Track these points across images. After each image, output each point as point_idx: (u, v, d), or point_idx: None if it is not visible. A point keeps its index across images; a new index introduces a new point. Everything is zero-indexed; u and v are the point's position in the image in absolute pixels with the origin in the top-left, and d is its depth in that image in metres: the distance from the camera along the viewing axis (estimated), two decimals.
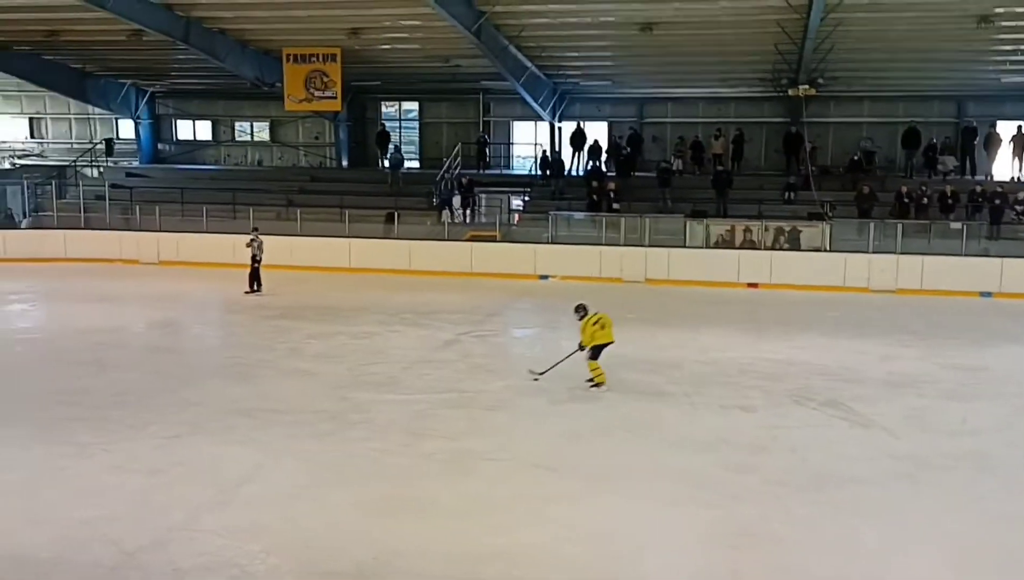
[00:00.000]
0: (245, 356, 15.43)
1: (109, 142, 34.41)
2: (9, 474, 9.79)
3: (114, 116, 34.40)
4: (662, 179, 26.43)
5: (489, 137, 30.91)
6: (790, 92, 24.53)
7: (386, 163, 30.16)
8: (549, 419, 11.96)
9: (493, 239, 24.99)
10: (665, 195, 26.16)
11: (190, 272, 23.78)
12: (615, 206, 25.44)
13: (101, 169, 33.21)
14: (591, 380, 13.12)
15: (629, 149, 28.48)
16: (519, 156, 32.01)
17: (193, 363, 15.56)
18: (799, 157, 26.57)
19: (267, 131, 33.90)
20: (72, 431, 11.22)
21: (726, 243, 23.83)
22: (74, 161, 33.42)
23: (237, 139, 34.37)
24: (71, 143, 35.51)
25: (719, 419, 12.00)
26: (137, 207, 27.49)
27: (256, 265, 21.15)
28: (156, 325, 18.52)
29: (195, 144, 34.58)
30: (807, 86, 23.85)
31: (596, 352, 13.04)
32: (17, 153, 35.29)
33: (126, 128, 34.79)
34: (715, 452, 10.58)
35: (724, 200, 25.56)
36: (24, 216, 28.95)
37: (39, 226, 27.68)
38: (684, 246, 23.71)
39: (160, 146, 34.56)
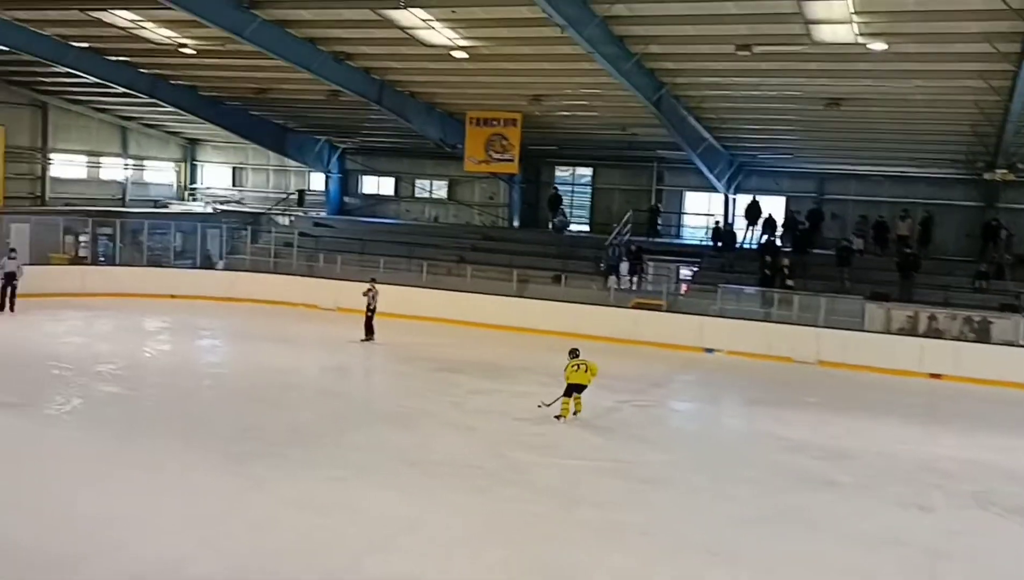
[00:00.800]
0: (410, 405, 15.87)
1: (301, 193, 36.71)
2: (194, 502, 10.41)
3: (307, 169, 36.70)
4: (841, 258, 25.48)
5: (661, 205, 30.85)
6: (986, 176, 23.22)
7: (554, 225, 30.62)
8: (712, 498, 11.60)
9: (659, 308, 24.74)
10: (844, 275, 25.17)
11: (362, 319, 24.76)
12: (789, 283, 24.69)
13: (292, 218, 35.35)
14: (560, 415, 14.80)
15: (807, 224, 27.67)
16: (690, 226, 31.73)
17: (361, 408, 16.14)
18: (994, 244, 24.99)
19: (445, 189, 35.18)
20: (251, 465, 11.84)
21: (908, 330, 22.57)
22: (268, 209, 35.79)
23: (417, 196, 35.84)
24: (267, 192, 38.09)
25: (895, 517, 11.27)
26: (321, 255, 29.01)
27: (370, 313, 21.83)
28: (329, 369, 19.36)
29: (378, 198, 36.31)
30: (1005, 171, 22.52)
31: (569, 390, 14.97)
32: (219, 199, 38.17)
33: (317, 181, 37.02)
34: (890, 552, 9.94)
35: (909, 284, 24.30)
36: (221, 258, 31.13)
37: (233, 268, 29.65)
38: (862, 330, 22.62)
39: (346, 199, 36.49)
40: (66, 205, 32.50)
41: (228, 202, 37.88)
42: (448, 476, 11.75)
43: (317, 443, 13.07)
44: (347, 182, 36.65)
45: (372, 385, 19.01)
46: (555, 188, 32.08)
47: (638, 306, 24.88)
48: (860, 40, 17.75)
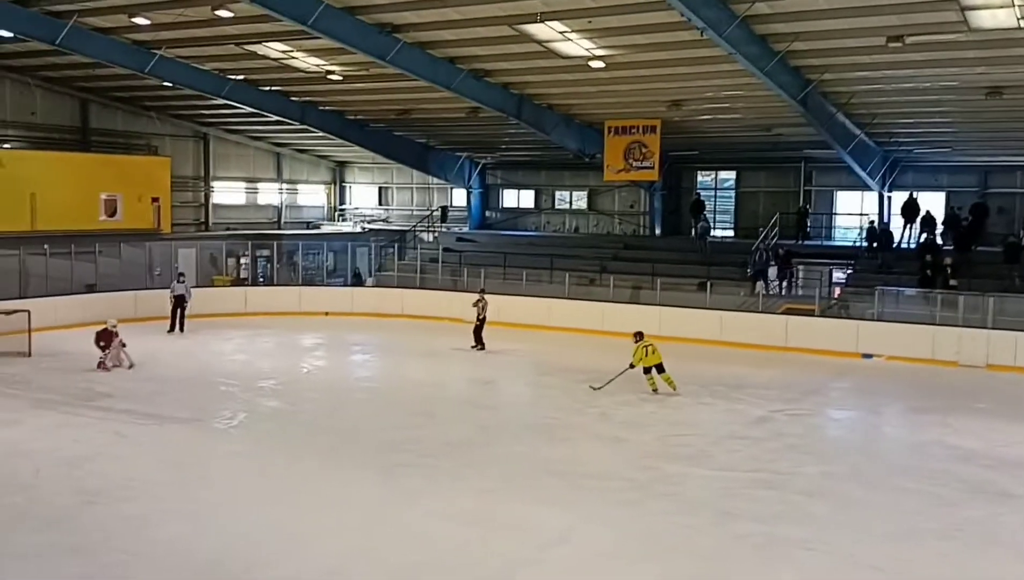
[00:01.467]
0: (557, 417, 15.87)
1: (444, 209, 37.54)
2: (348, 513, 10.75)
3: (449, 186, 37.51)
4: (1010, 254, 23.87)
5: (810, 207, 29.79)
6: None
7: (696, 232, 30.07)
8: (877, 512, 11.03)
9: (811, 313, 23.84)
10: (1012, 272, 23.58)
11: (508, 333, 25.00)
12: (952, 282, 23.30)
13: (436, 234, 36.18)
14: (655, 389, 17.11)
15: (970, 219, 26.07)
16: (842, 227, 30.49)
17: (509, 420, 16.26)
18: None
19: (585, 199, 35.18)
20: (403, 477, 12.14)
21: None
22: (413, 226, 36.76)
23: (557, 207, 35.99)
24: (412, 210, 39.13)
25: None
26: (465, 269, 29.53)
27: (480, 323, 22.37)
28: (477, 382, 19.61)
29: (518, 211, 36.67)
30: None
31: (648, 370, 17.16)
32: (367, 218, 39.51)
33: (459, 196, 37.77)
34: None
35: None
36: (370, 275, 32.18)
37: (382, 284, 30.60)
38: None
39: (487, 213, 37.05)
40: (227, 229, 34.39)
41: (375, 221, 39.15)
42: (598, 488, 11.67)
43: (467, 455, 13.26)
44: (488, 197, 37.20)
45: (519, 397, 19.13)
46: (697, 193, 31.51)
47: (788, 311, 24.07)
48: (1023, 24, 16.64)
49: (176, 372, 19.16)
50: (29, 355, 19.89)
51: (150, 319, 24.19)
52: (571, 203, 35.85)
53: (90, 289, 25.73)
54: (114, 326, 19.28)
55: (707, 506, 11.08)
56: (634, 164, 28.03)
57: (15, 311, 20.07)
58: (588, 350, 22.60)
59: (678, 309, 24.51)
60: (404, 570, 9.11)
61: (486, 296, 23.01)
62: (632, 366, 17.12)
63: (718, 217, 31.94)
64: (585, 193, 35.11)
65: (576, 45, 20.67)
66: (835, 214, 30.53)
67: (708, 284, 25.35)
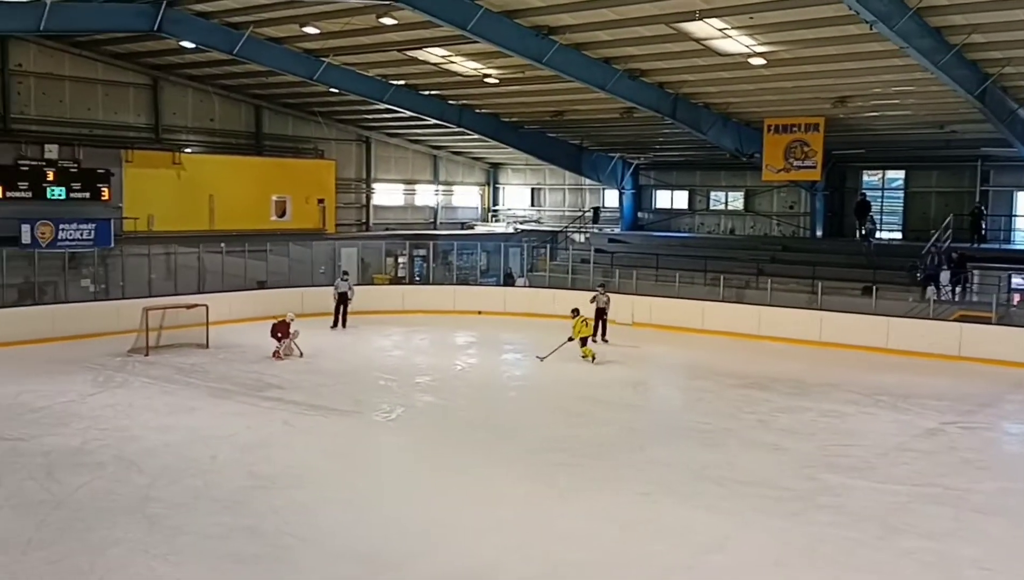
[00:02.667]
0: (712, 422, 15.54)
1: (596, 210, 37.48)
2: (502, 509, 10.90)
3: (602, 187, 37.42)
4: None
5: (986, 208, 27.97)
6: None
7: (862, 234, 28.77)
8: None
9: (987, 321, 22.37)
10: None
11: (662, 335, 24.72)
12: None
13: (588, 235, 36.17)
14: (585, 357, 20.38)
15: None
16: (1022, 230, 28.46)
17: (662, 424, 16.06)
18: None
19: (741, 200, 34.31)
20: (552, 475, 12.21)
21: None
22: (565, 227, 36.88)
23: (712, 208, 35.27)
24: (563, 211, 39.28)
25: None
26: (617, 270, 29.37)
27: (601, 315, 23.41)
28: (629, 383, 19.46)
29: (671, 213, 36.17)
30: None
31: (584, 342, 20.65)
32: (519, 219, 39.95)
33: (611, 197, 37.61)
34: None
35: None
36: (522, 275, 32.53)
37: (533, 284, 30.87)
38: None
39: (640, 214, 36.73)
40: (386, 230, 35.57)
41: (527, 221, 39.52)
42: (757, 497, 11.35)
43: (620, 457, 13.19)
44: (641, 197, 36.87)
45: (674, 400, 18.86)
46: (862, 194, 30.15)
47: (962, 318, 22.67)
48: None
49: (339, 366, 19.96)
50: (207, 347, 21.20)
51: (315, 315, 25.28)
52: (727, 204, 35.05)
53: (261, 285, 27.18)
54: (291, 319, 20.50)
55: (872, 519, 10.59)
56: (795, 163, 27.10)
57: (195, 305, 21.46)
58: (744, 354, 22.06)
59: (841, 314, 23.55)
60: (557, 568, 9.15)
61: (607, 293, 23.96)
62: (571, 339, 20.51)
63: (885, 218, 30.42)
64: (741, 194, 34.24)
65: (736, 42, 20.20)
66: (1015, 216, 28.52)
67: (874, 289, 24.21)
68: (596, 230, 36.58)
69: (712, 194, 35.35)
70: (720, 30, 19.48)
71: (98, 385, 17.38)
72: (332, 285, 25.54)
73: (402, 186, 38.16)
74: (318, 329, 24.17)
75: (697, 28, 19.43)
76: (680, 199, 36.27)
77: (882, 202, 30.88)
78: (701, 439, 14.41)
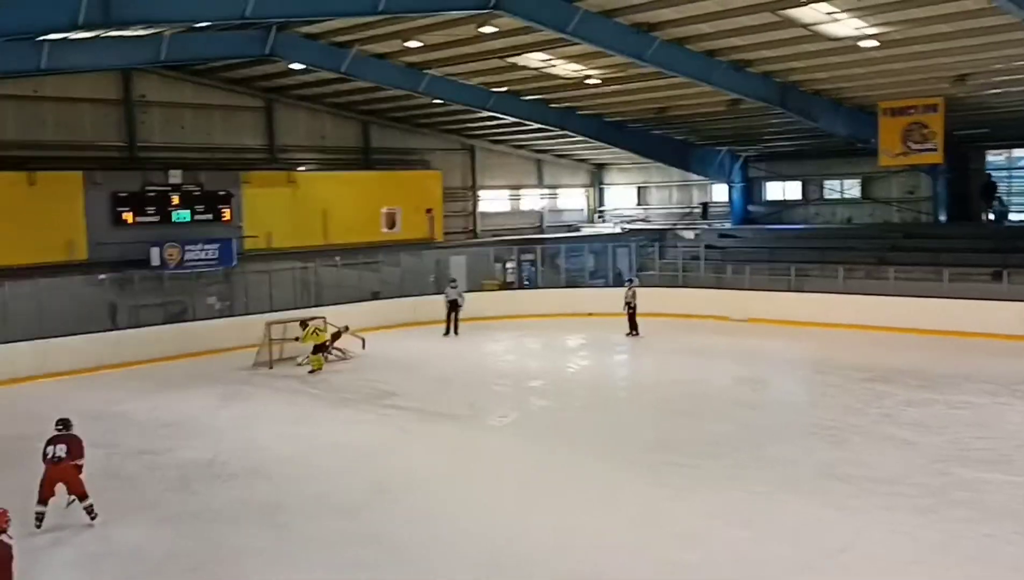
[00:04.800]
0: (835, 418, 15.04)
1: (705, 206, 36.86)
2: (619, 510, 10.83)
3: (710, 181, 36.75)
4: None
5: None
6: None
7: (990, 216, 27.32)
8: None
9: None
10: None
11: (777, 330, 24.10)
12: None
13: (697, 231, 35.59)
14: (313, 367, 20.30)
15: None
16: None
17: (781, 421, 15.63)
18: None
19: (858, 188, 33.12)
20: (668, 475, 12.06)
21: None
22: (673, 224, 36.39)
23: (826, 197, 34.17)
24: (671, 208, 38.78)
25: None
26: (728, 266, 28.81)
27: (631, 311, 24.11)
28: (744, 380, 19.06)
29: (783, 204, 35.24)
30: None
31: (317, 349, 20.47)
32: (626, 219, 39.66)
33: (719, 192, 36.91)
34: None
35: None
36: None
37: (643, 284, 30.52)
38: None
39: (750, 208, 35.91)
40: (493, 236, 35.85)
41: (634, 221, 39.17)
42: (886, 494, 10.93)
43: (736, 455, 12.92)
44: (751, 190, 36.05)
45: (791, 396, 18.35)
46: (988, 175, 28.69)
47: None
48: None
49: (452, 372, 20.24)
50: (327, 357, 21.79)
51: (427, 323, 25.73)
52: (842, 192, 33.88)
53: (375, 296, 27.80)
54: (345, 329, 21.94)
55: (1011, 515, 10.07)
56: (913, 147, 25.97)
57: (312, 318, 22.11)
58: (866, 347, 21.30)
59: (969, 301, 22.45)
60: (678, 569, 9.04)
61: (635, 287, 24.83)
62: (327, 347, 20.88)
63: (1014, 200, 28.87)
64: (858, 181, 33.04)
65: (845, 25, 19.52)
66: None
67: (1005, 273, 23.00)
68: (706, 226, 35.96)
69: (826, 183, 34.24)
70: (828, 14, 18.87)
71: (226, 398, 18.11)
72: (443, 293, 25.90)
73: (507, 192, 38.42)
74: (431, 337, 24.59)
75: (804, 13, 18.88)
76: (793, 190, 35.29)
77: (1010, 182, 29.31)
78: (824, 435, 13.98)
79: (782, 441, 13.77)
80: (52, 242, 23.43)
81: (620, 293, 25.23)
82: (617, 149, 34.16)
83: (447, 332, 25.23)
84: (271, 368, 20.95)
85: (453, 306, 25.35)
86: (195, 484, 12.50)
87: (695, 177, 36.67)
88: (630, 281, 25.68)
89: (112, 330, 22.25)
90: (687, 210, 37.65)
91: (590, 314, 27.81)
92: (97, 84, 25.54)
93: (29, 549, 9.04)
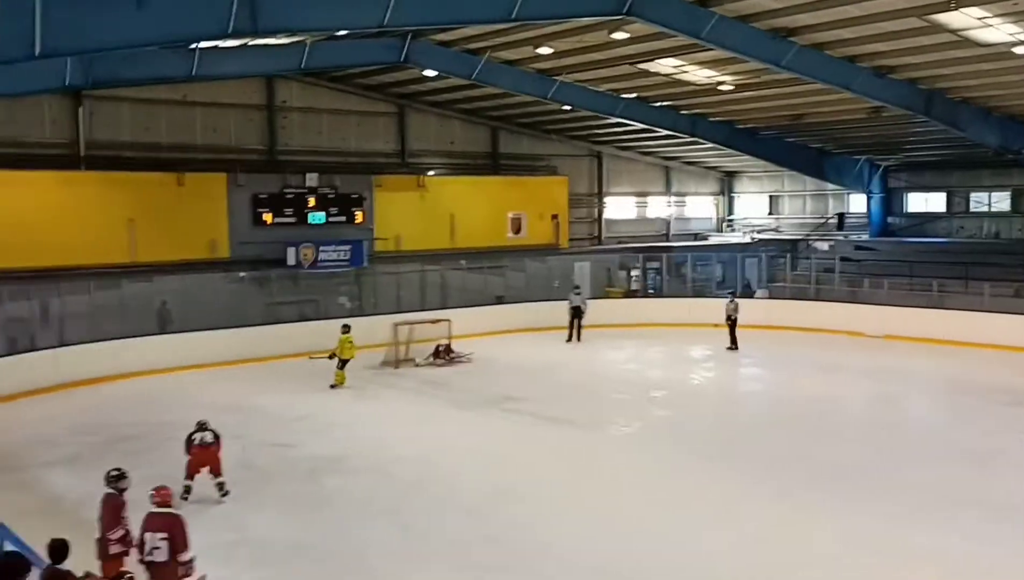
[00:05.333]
0: (978, 441, 14.27)
1: (841, 217, 35.59)
2: (743, 528, 10.57)
3: (846, 191, 35.46)
4: None
5: None
6: None
7: None
8: None
9: None
10: None
11: (917, 348, 23.02)
12: None
13: (832, 242, 34.38)
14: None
15: None
16: None
17: (918, 442, 14.89)
18: None
19: (1007, 201, 31.32)
20: (799, 494, 11.67)
21: None
22: (806, 235, 35.29)
23: (972, 210, 32.45)
24: (804, 218, 37.61)
25: None
26: (865, 280, 27.72)
27: (731, 324, 23.69)
28: (877, 399, 18.30)
29: (926, 217, 33.66)
30: None
31: (343, 363, 18.99)
32: (756, 228, 38.70)
33: (856, 203, 35.56)
34: None
35: None
36: (760, 286, 31.45)
37: (773, 296, 29.74)
38: None
39: (890, 219, 34.45)
40: (618, 243, 35.63)
41: (765, 230, 38.19)
42: None
43: (868, 477, 12.41)
44: (890, 201, 34.58)
45: (930, 418, 17.48)
46: None
47: None
48: None
49: (573, 379, 20.22)
50: (450, 360, 22.14)
51: (550, 329, 25.77)
52: (990, 205, 32.12)
53: (499, 301, 28.07)
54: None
55: None
56: None
57: (439, 320, 22.52)
58: (1013, 368, 20.11)
59: None
60: None
61: (737, 299, 24.54)
62: (332, 356, 19.04)
63: None
64: (1008, 193, 31.25)
65: (998, 31, 18.48)
66: None
67: None
68: (841, 237, 34.69)
69: (973, 195, 32.54)
70: (979, 19, 17.91)
71: (354, 396, 18.64)
72: (566, 300, 25.89)
73: (634, 199, 38.10)
74: (553, 343, 24.62)
75: (953, 18, 17.98)
76: (936, 202, 33.68)
77: None
78: (964, 459, 13.27)
79: (917, 464, 13.12)
80: (198, 240, 24.69)
81: (748, 304, 24.66)
82: (748, 157, 33.40)
83: (569, 338, 25.20)
84: (396, 368, 21.43)
85: (576, 313, 25.32)
86: (323, 478, 12.90)
87: (831, 186, 35.48)
88: (732, 293, 25.51)
89: (250, 326, 23.22)
90: (822, 220, 36.44)
91: (716, 325, 27.23)
92: (242, 90, 26.76)
93: None
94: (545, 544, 10.13)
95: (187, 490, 11.58)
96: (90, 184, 23.34)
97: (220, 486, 11.80)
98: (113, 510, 8.46)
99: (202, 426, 12.00)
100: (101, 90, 23.23)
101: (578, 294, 25.85)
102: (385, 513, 11.37)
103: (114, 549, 8.37)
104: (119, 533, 8.40)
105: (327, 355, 19.29)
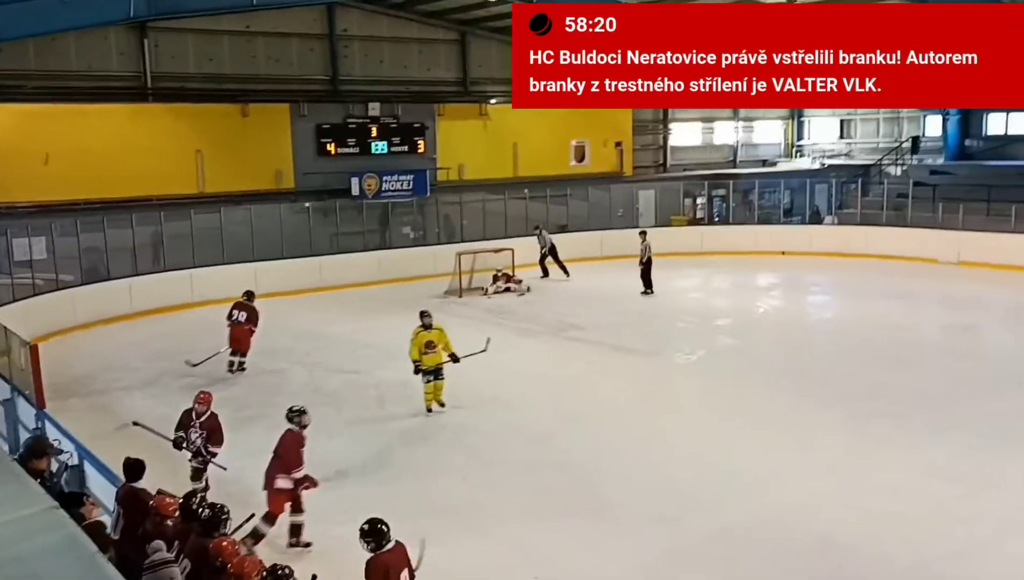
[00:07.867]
0: None
1: (915, 140, 34.29)
2: (814, 455, 10.45)
3: (922, 113, 34.13)
4: None
5: None
6: None
7: None
8: None
9: None
10: None
11: (992, 274, 22.27)
12: None
13: (905, 167, 33.26)
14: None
15: None
16: None
17: (999, 373, 14.43)
18: None
19: None
20: (872, 423, 11.48)
21: None
22: (879, 160, 34.17)
23: None
24: (877, 142, 36.37)
25: None
26: (939, 205, 26.80)
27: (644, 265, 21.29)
28: (954, 328, 17.82)
29: (1006, 139, 32.26)
30: None
31: (434, 374, 12.49)
32: (827, 154, 37.58)
33: (932, 125, 34.22)
34: None
35: None
36: (829, 213, 30.65)
37: (843, 223, 28.98)
38: None
39: (967, 142, 33.11)
40: (684, 170, 34.93)
41: (836, 156, 37.05)
42: None
43: (947, 407, 12.12)
44: (968, 123, 33.19)
45: (1007, 347, 16.94)
46: None
47: None
48: None
49: (637, 307, 20.06)
50: (513, 289, 22.14)
51: (614, 258, 25.51)
52: None
53: (562, 229, 27.85)
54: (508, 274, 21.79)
55: None
56: None
57: (502, 249, 22.47)
58: None
59: None
60: (875, 519, 8.63)
61: (648, 238, 21.48)
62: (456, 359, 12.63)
63: None
64: None
65: None
66: None
67: None
68: (915, 162, 33.51)
69: None
70: None
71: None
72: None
73: (700, 124, 37.22)
74: (618, 271, 24.39)
75: None
76: (1017, 123, 32.21)
77: None
78: None
79: (999, 395, 12.75)
80: (264, 171, 24.89)
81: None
82: None
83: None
84: (460, 297, 21.52)
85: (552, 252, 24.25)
86: (391, 404, 13.09)
87: (906, 110, 34.15)
88: (643, 232, 22.10)
89: (315, 256, 23.47)
90: (895, 144, 35.20)
91: (784, 253, 26.74)
92: (303, 19, 26.58)
93: (237, 455, 9.75)
94: (613, 472, 10.16)
95: (230, 365, 12.83)
96: (157, 116, 23.58)
97: (231, 363, 12.56)
98: (295, 446, 8.38)
99: (245, 298, 12.74)
100: (165, 21, 23.34)
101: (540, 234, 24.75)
102: (453, 437, 11.57)
103: (284, 484, 8.28)
104: (301, 472, 8.33)
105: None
